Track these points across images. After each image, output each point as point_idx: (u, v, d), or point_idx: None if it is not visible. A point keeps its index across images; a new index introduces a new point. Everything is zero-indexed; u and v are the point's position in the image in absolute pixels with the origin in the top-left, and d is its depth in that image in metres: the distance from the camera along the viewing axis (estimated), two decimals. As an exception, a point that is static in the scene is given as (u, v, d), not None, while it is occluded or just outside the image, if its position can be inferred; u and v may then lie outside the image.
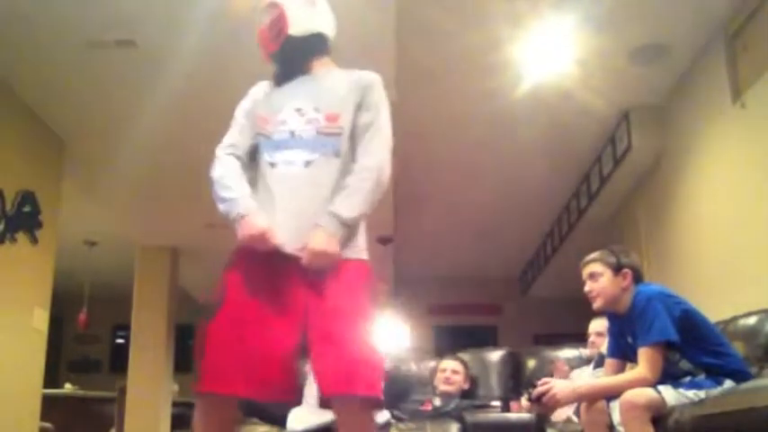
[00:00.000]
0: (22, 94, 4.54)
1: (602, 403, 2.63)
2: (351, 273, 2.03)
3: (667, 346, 2.56)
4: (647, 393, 2.43)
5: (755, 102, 3.98)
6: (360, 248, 2.10)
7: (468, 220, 7.73)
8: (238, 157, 2.18)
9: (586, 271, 2.81)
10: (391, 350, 7.55)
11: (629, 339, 2.70)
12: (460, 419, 3.64)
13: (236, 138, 2.22)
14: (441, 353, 4.49)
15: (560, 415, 3.53)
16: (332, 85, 2.20)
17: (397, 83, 4.49)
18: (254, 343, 1.96)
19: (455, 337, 9.01)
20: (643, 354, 2.57)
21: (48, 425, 5.35)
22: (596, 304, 2.80)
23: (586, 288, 2.79)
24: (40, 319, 4.80)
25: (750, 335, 2.88)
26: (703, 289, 4.44)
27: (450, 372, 3.94)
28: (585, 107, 5.14)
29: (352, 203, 2.03)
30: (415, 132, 5.63)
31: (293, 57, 2.25)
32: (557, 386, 2.64)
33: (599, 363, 3.46)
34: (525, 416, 3.52)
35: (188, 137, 4.93)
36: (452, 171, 6.55)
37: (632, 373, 2.64)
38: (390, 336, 7.95)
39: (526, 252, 9.07)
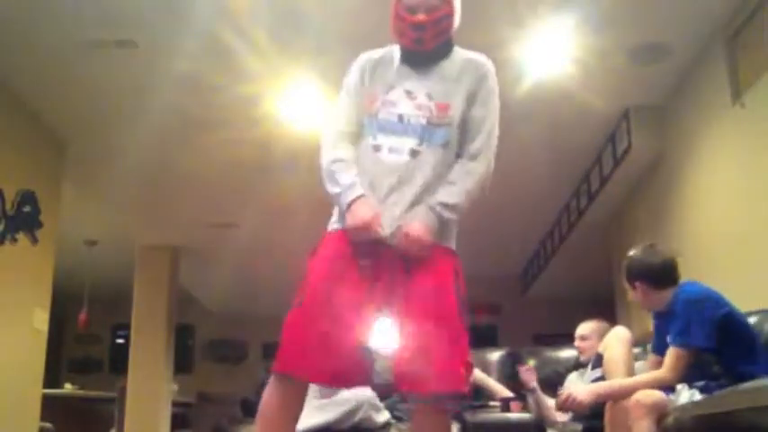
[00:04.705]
0: (22, 94, 4.54)
1: (626, 402, 2.63)
2: (443, 264, 2.02)
3: (699, 350, 2.55)
4: (655, 394, 2.44)
5: (755, 102, 3.97)
6: (451, 239, 2.10)
7: (467, 220, 7.69)
8: (351, 146, 2.08)
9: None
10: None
11: (668, 338, 2.70)
12: (461, 419, 3.64)
13: (344, 125, 2.11)
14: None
15: (560, 415, 3.52)
16: (446, 72, 2.10)
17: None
18: (329, 331, 1.92)
19: (455, 336, 8.99)
20: (669, 353, 2.59)
21: (48, 425, 5.35)
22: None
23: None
24: (40, 319, 4.80)
25: (750, 335, 2.88)
26: (703, 289, 4.43)
27: None
28: (585, 107, 5.13)
29: (455, 200, 2.05)
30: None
31: (437, 55, 2.12)
32: (575, 391, 2.65)
33: (596, 363, 3.44)
34: (525, 416, 3.53)
35: (188, 137, 4.94)
36: (452, 171, 6.53)
37: (653, 373, 2.66)
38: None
39: (526, 252, 9.06)
